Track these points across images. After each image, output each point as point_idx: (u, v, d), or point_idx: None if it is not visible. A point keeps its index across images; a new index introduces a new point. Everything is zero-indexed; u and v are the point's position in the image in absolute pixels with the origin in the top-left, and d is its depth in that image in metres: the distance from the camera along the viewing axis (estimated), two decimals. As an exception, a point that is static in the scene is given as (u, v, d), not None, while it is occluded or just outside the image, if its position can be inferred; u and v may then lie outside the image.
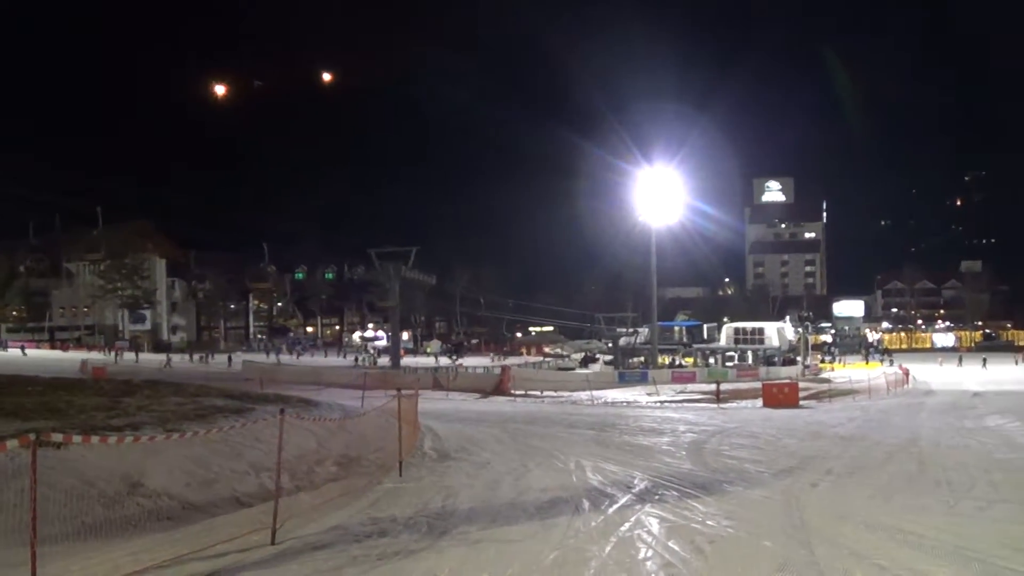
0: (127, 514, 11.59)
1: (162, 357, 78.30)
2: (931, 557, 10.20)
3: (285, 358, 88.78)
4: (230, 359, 78.43)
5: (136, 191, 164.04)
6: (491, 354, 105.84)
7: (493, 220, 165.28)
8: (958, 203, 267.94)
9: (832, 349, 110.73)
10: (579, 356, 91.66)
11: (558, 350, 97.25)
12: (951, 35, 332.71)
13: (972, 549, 10.51)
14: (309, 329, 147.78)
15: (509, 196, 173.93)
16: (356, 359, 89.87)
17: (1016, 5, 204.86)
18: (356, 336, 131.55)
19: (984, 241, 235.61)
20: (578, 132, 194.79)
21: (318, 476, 15.43)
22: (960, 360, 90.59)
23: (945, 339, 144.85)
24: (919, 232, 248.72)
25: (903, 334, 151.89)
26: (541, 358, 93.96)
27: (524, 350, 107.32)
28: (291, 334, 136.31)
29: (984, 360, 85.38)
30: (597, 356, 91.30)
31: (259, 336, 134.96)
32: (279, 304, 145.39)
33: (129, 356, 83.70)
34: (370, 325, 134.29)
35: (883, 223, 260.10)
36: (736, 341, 77.47)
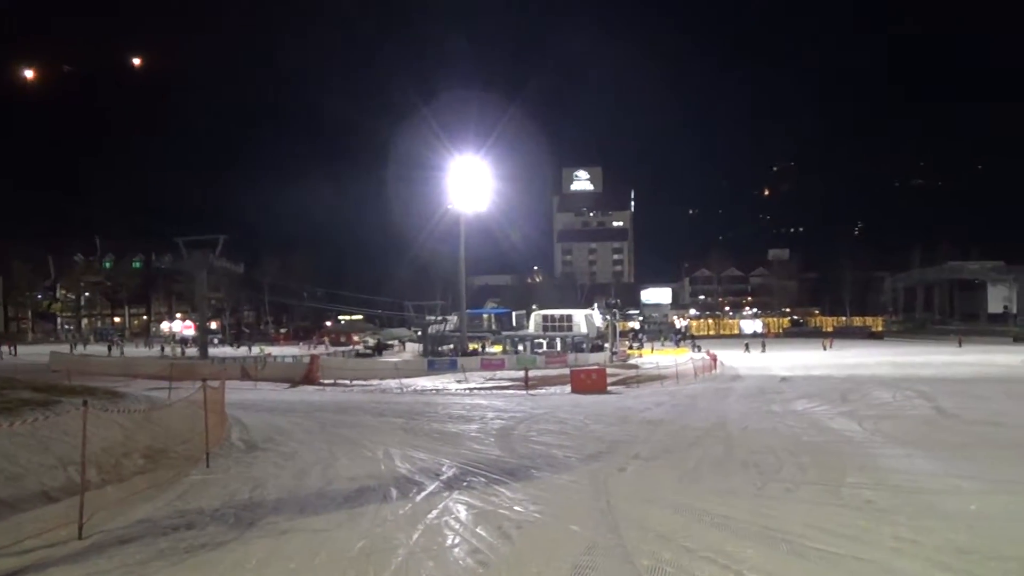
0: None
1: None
2: (738, 538, 10.49)
3: (93, 348, 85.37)
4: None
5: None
6: (300, 343, 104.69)
7: (302, 209, 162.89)
8: (766, 193, 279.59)
9: (640, 336, 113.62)
10: (373, 342, 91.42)
11: (367, 339, 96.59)
12: (758, 28, 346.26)
13: (779, 530, 10.86)
14: (117, 319, 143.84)
15: (319, 185, 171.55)
16: (162, 348, 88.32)
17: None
18: (164, 326, 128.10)
19: (792, 230, 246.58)
20: (388, 120, 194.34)
21: (125, 469, 15.04)
22: (763, 346, 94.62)
23: (753, 325, 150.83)
24: (727, 221, 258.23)
25: (711, 321, 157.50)
26: (351, 347, 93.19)
27: (326, 339, 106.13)
28: (99, 325, 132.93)
29: (763, 345, 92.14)
30: (390, 343, 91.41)
31: (67, 327, 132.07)
32: (87, 294, 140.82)
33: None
34: (178, 315, 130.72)
35: (691, 212, 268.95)
36: (545, 328, 78.51)
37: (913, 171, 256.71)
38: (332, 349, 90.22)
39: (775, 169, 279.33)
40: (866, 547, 10.03)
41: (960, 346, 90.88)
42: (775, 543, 10.23)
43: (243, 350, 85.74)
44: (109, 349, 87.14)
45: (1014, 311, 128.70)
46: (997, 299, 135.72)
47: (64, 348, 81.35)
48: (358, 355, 77.70)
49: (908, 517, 11.59)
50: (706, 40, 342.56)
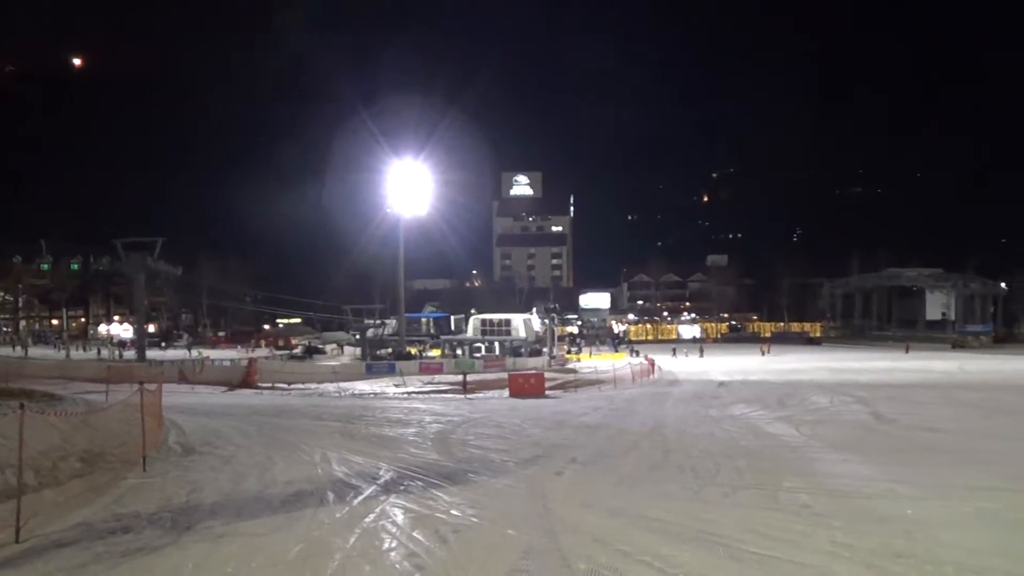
0: None
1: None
2: (675, 542, 10.54)
3: (36, 351, 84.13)
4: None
5: None
6: (238, 346, 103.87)
7: (242, 212, 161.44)
8: (705, 199, 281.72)
9: (578, 340, 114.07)
10: (306, 344, 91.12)
11: (305, 342, 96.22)
12: (697, 35, 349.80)
13: (716, 534, 10.91)
14: (55, 322, 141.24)
15: (258, 187, 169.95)
16: (98, 351, 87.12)
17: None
18: (102, 329, 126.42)
19: (730, 236, 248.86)
20: (328, 124, 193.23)
21: (62, 472, 14.91)
22: (701, 351, 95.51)
23: (691, 331, 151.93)
24: (666, 227, 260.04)
25: (649, 326, 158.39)
26: (289, 350, 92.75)
27: (262, 342, 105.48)
28: (37, 327, 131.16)
29: (701, 351, 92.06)
30: (321, 346, 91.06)
31: (3, 329, 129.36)
32: (24, 296, 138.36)
33: None
34: (115, 317, 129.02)
35: (630, 218, 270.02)
36: (483, 332, 78.78)
37: (852, 178, 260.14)
38: (272, 352, 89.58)
39: (714, 175, 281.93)
40: (802, 551, 10.10)
41: (907, 352, 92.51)
42: (712, 547, 10.28)
43: (172, 352, 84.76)
44: (59, 350, 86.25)
45: (952, 318, 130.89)
46: (935, 306, 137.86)
47: (6, 351, 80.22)
48: (291, 358, 77.26)
49: (844, 521, 11.70)
50: (646, 47, 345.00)
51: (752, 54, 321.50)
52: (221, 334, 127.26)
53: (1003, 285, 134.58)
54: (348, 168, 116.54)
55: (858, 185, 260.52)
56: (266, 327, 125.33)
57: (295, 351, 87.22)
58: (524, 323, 79.77)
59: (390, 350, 72.00)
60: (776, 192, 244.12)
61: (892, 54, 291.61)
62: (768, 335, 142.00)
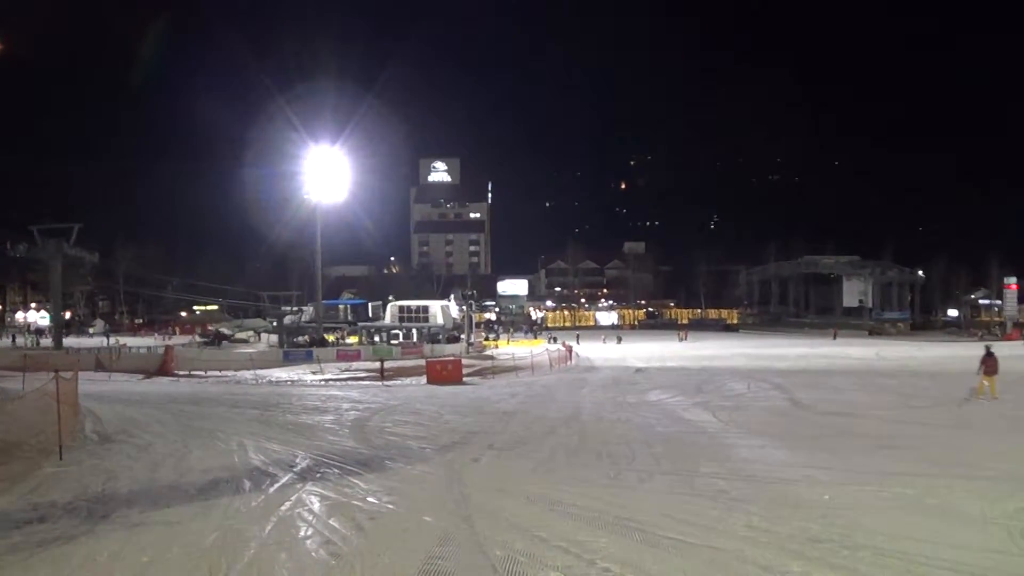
0: None
1: None
2: (591, 528, 10.58)
3: None
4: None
5: None
6: (158, 334, 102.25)
7: (160, 199, 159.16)
8: (622, 186, 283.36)
9: (496, 327, 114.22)
10: (214, 330, 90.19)
11: (221, 329, 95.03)
12: (617, 22, 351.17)
13: (633, 519, 10.97)
14: None
15: (175, 174, 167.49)
16: (12, 338, 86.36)
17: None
18: (19, 316, 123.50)
19: (647, 223, 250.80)
20: (246, 109, 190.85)
21: None
22: (619, 338, 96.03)
23: (608, 317, 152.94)
24: (583, 214, 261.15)
25: (567, 312, 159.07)
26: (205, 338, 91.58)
27: (176, 329, 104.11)
28: None
29: (619, 338, 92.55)
30: (229, 332, 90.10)
31: None
32: None
33: None
34: (32, 304, 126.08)
35: (548, 204, 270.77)
36: (401, 319, 78.40)
37: (770, 166, 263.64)
38: (188, 339, 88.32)
39: (632, 163, 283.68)
40: (719, 536, 10.17)
41: (835, 338, 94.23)
42: (628, 532, 10.33)
43: (88, 340, 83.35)
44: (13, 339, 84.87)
45: (869, 305, 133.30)
46: (852, 293, 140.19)
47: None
48: (203, 344, 76.28)
49: (761, 506, 11.84)
50: (564, 34, 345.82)
51: (670, 41, 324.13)
52: (139, 321, 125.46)
53: (920, 272, 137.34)
54: (265, 155, 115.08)
55: (776, 173, 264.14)
56: (183, 314, 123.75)
57: (204, 338, 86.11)
58: (442, 310, 79.58)
59: (307, 337, 71.43)
60: (693, 180, 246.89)
61: (811, 40, 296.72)
62: (685, 322, 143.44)
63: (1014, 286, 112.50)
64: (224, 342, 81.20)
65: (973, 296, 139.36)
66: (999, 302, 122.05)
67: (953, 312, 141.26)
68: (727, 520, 11.03)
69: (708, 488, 13.28)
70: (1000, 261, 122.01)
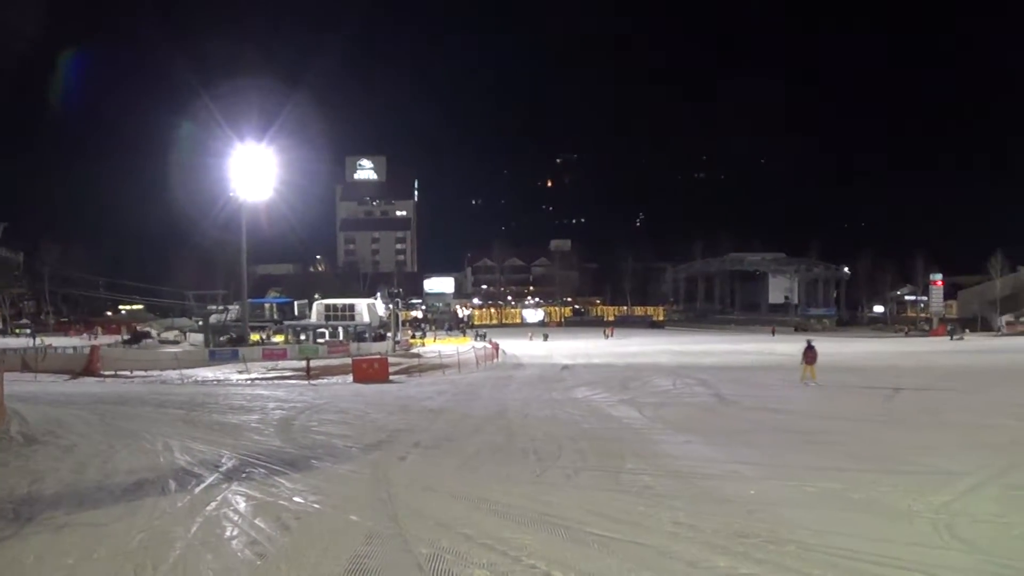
0: None
1: None
2: (517, 525, 10.58)
3: None
4: None
5: None
6: (84, 334, 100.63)
7: (84, 197, 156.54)
8: (548, 184, 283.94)
9: (423, 325, 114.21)
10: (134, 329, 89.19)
11: (147, 329, 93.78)
12: (544, 22, 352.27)
13: (558, 516, 10.98)
14: None
15: (100, 172, 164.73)
16: None
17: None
18: None
19: (574, 221, 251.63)
20: (170, 106, 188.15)
21: None
22: (545, 336, 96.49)
23: (535, 315, 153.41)
24: (510, 212, 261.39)
25: (493, 310, 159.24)
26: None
27: (102, 329, 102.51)
28: None
29: (546, 335, 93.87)
30: (148, 331, 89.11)
31: None
32: None
33: None
34: None
35: (474, 202, 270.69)
36: (327, 318, 78.22)
37: (695, 164, 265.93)
38: (115, 339, 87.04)
39: (558, 161, 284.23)
40: (645, 532, 10.20)
41: (774, 335, 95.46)
42: (554, 529, 10.33)
43: (13, 340, 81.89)
44: None
45: (795, 302, 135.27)
46: (778, 290, 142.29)
47: None
48: (123, 344, 75.23)
49: (687, 502, 11.91)
50: (492, 32, 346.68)
51: (597, 40, 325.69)
52: (64, 321, 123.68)
53: (846, 269, 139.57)
54: (191, 152, 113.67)
55: (701, 171, 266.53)
56: (109, 314, 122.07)
57: (125, 338, 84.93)
58: (368, 308, 79.49)
59: (232, 336, 70.81)
60: (620, 178, 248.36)
61: (737, 36, 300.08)
62: (612, 319, 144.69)
63: (940, 283, 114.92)
64: (147, 340, 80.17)
65: (899, 292, 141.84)
66: (925, 298, 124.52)
67: (879, 308, 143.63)
68: (652, 516, 11.07)
69: (633, 484, 13.34)
70: (926, 258, 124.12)
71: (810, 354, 34.92)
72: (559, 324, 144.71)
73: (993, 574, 8.50)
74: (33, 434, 19.47)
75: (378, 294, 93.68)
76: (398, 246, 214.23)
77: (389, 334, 76.76)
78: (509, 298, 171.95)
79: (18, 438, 18.86)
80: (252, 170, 66.98)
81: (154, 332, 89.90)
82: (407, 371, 47.57)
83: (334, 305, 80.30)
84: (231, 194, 69.71)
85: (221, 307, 78.13)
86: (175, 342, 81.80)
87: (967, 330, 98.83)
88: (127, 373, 48.59)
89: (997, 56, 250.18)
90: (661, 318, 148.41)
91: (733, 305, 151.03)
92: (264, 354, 60.68)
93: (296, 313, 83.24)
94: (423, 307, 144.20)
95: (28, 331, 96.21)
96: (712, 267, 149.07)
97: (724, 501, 12.01)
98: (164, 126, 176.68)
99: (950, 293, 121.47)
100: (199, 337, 74.26)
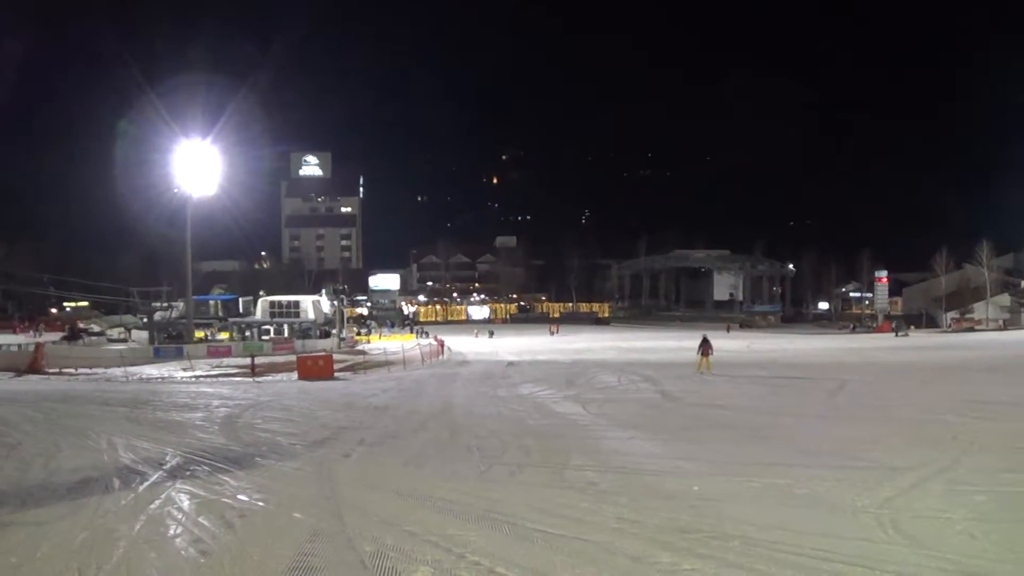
0: None
1: None
2: (462, 522, 10.57)
3: None
4: None
5: None
6: (31, 331, 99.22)
7: (27, 193, 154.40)
8: (494, 180, 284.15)
9: (368, 322, 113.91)
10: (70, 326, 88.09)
11: (92, 326, 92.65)
12: (480, 21, 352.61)
13: (503, 513, 10.98)
14: None
15: (44, 167, 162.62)
16: None
17: None
18: None
19: (519, 218, 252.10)
20: (114, 100, 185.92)
21: None
22: (491, 332, 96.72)
23: (480, 312, 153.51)
24: (455, 208, 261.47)
25: (439, 307, 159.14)
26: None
27: (44, 326, 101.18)
28: None
29: (491, 332, 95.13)
30: (86, 328, 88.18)
31: None
32: None
33: None
34: None
35: (420, 199, 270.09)
36: (272, 315, 77.73)
37: (641, 161, 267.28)
38: (57, 337, 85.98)
39: (504, 157, 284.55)
40: (589, 528, 10.21)
41: (728, 332, 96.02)
42: (498, 526, 10.33)
43: None
44: None
45: (740, 298, 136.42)
46: (723, 286, 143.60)
47: None
48: (64, 339, 74.32)
49: (631, 498, 11.94)
50: (435, 28, 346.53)
51: (540, 38, 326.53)
52: (9, 318, 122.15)
53: (791, 266, 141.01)
54: (135, 148, 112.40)
55: (647, 168, 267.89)
56: (54, 311, 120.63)
57: (64, 335, 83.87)
58: (313, 305, 79.07)
59: (177, 333, 70.21)
60: (565, 174, 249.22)
61: (684, 33, 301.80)
62: (557, 315, 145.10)
63: (885, 279, 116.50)
64: (91, 338, 79.26)
65: (844, 289, 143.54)
66: (870, 295, 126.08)
67: (824, 305, 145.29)
68: (597, 512, 11.09)
69: (578, 480, 13.38)
70: (872, 255, 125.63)
71: (706, 347, 39.24)
72: (505, 321, 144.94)
73: (936, 569, 8.57)
74: (-24, 433, 19.19)
75: (323, 291, 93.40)
76: (343, 243, 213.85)
77: (334, 331, 76.57)
78: (455, 295, 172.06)
79: (-39, 437, 18.58)
80: (197, 166, 66.37)
81: (96, 329, 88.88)
82: (352, 368, 47.41)
83: (279, 302, 79.84)
84: (176, 190, 69.12)
85: (166, 304, 77.49)
86: (122, 340, 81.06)
87: (912, 327, 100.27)
88: (72, 371, 48.06)
89: (947, 55, 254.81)
90: (606, 315, 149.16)
91: (678, 302, 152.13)
92: (209, 351, 60.22)
93: (241, 310, 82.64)
94: (368, 304, 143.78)
95: None
96: (657, 264, 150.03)
97: (668, 497, 12.06)
98: (108, 122, 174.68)
99: (895, 290, 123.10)
100: (144, 334, 73.64)
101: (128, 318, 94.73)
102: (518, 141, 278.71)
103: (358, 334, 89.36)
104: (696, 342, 41.96)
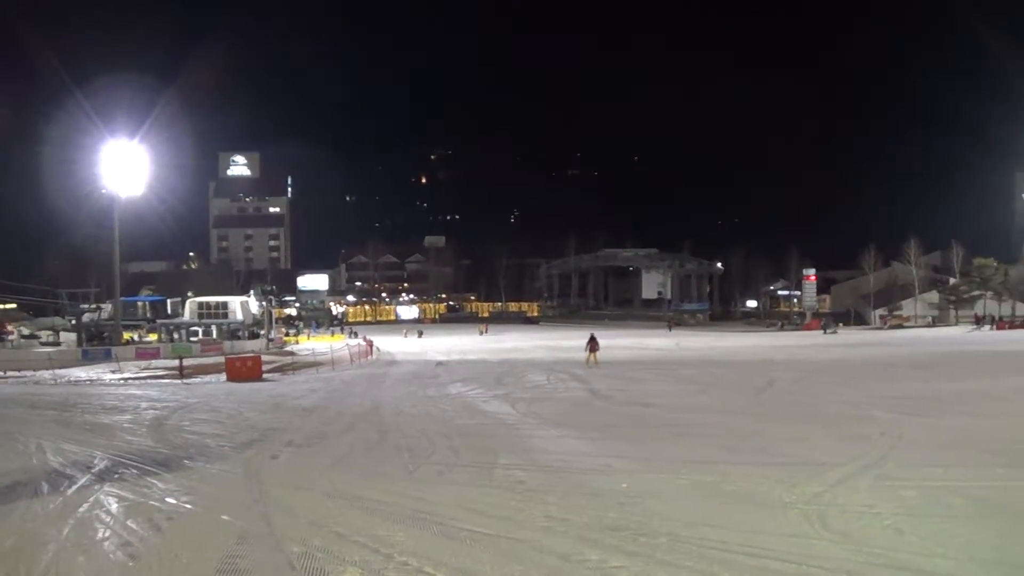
0: None
1: None
2: (390, 522, 10.56)
3: None
4: None
5: None
6: None
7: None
8: (423, 180, 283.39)
9: (297, 322, 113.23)
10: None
11: (22, 328, 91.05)
12: (414, 20, 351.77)
13: (431, 513, 10.99)
14: None
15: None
16: None
17: None
18: None
19: (448, 217, 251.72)
20: (37, 100, 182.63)
21: None
22: (420, 332, 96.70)
23: (409, 311, 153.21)
24: (384, 208, 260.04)
25: (368, 307, 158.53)
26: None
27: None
28: None
29: (420, 332, 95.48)
30: (11, 329, 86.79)
31: None
32: None
33: None
34: None
35: (348, 199, 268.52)
36: (201, 316, 76.98)
37: (569, 161, 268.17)
38: None
39: (432, 157, 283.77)
40: (517, 527, 10.26)
41: (671, 330, 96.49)
42: (427, 525, 10.34)
43: None
44: None
45: (668, 296, 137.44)
46: (651, 285, 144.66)
47: None
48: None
49: (559, 496, 12.00)
50: (365, 28, 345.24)
51: (467, 37, 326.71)
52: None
53: (719, 264, 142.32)
54: (61, 148, 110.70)
55: (575, 168, 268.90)
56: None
57: None
58: (242, 306, 78.44)
59: (105, 335, 69.29)
60: (493, 174, 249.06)
61: (613, 29, 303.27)
62: (486, 315, 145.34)
63: (813, 277, 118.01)
64: (20, 340, 77.94)
65: (772, 287, 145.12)
66: (798, 293, 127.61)
67: (752, 303, 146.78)
68: (525, 511, 11.14)
69: (506, 479, 13.42)
70: (799, 253, 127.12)
71: (593, 344, 43.15)
72: (434, 321, 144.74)
73: (864, 563, 8.68)
74: (-98, 438, 18.96)
75: (252, 291, 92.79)
76: (272, 243, 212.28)
77: (263, 332, 76.09)
78: (384, 295, 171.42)
79: None
80: (124, 166, 65.55)
81: (26, 332, 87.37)
82: (281, 369, 47.21)
83: (207, 303, 79.09)
84: (102, 190, 68.20)
85: (94, 306, 76.47)
86: (54, 343, 79.89)
87: (841, 324, 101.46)
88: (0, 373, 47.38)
89: (879, 52, 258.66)
90: (535, 314, 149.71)
91: (607, 301, 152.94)
92: (137, 353, 59.56)
93: (169, 311, 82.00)
94: (297, 304, 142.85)
95: None
96: (586, 263, 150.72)
97: (596, 494, 12.12)
98: (32, 121, 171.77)
99: (823, 288, 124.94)
100: (72, 336, 72.59)
101: (57, 320, 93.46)
102: (446, 141, 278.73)
103: (287, 335, 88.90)
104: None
